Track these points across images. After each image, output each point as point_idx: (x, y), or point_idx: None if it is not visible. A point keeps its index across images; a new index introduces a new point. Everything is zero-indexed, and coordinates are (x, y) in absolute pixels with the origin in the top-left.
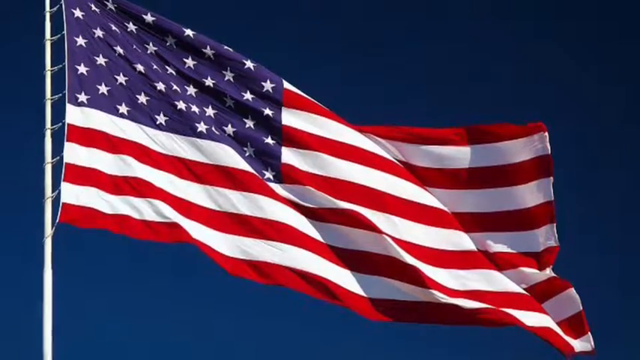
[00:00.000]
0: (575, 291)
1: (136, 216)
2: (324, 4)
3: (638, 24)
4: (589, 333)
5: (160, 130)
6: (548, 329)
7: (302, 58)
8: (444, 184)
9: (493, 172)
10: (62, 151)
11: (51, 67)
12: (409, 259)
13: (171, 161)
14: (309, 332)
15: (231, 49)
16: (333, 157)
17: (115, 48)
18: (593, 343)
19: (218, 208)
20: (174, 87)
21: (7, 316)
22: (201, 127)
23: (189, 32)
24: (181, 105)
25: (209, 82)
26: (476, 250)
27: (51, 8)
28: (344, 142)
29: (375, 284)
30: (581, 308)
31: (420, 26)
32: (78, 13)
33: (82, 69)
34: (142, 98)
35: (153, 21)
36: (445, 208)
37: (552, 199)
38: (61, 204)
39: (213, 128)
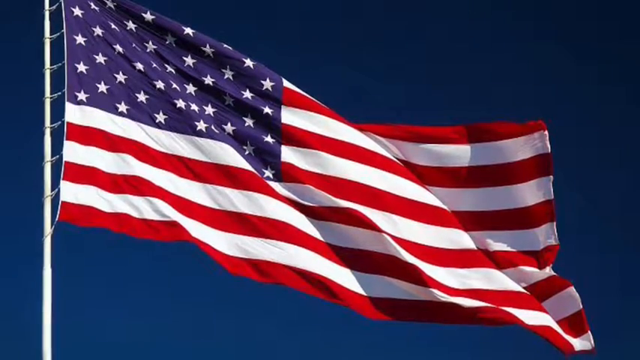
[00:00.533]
0: (575, 290)
1: (135, 214)
2: (324, 3)
3: (638, 24)
4: (589, 332)
5: (160, 128)
6: (548, 328)
7: (302, 56)
8: (443, 183)
9: (493, 170)
10: (61, 150)
11: (50, 65)
12: (409, 258)
13: (171, 160)
14: (308, 331)
15: (230, 48)
16: (333, 155)
17: (114, 46)
18: (593, 342)
19: (218, 207)
20: (174, 85)
21: (6, 315)
22: (201, 125)
23: (188, 31)
24: (181, 103)
25: (208, 80)
26: (476, 248)
27: (50, 6)
28: (344, 141)
29: (375, 283)
30: (581, 307)
31: (420, 26)
32: (77, 11)
33: (82, 67)
34: (142, 97)
35: (152, 19)
36: (445, 207)
37: (552, 197)
38: (60, 203)
39: (212, 127)
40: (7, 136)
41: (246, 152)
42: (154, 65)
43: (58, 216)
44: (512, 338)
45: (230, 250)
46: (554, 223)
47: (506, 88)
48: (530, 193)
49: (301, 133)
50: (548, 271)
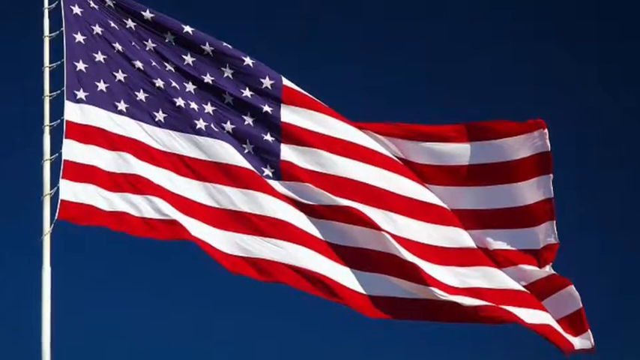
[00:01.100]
0: (574, 288)
1: (134, 213)
2: (324, 2)
3: (639, 24)
4: (589, 330)
5: (159, 127)
6: (548, 327)
7: (301, 55)
8: (443, 181)
9: (493, 169)
10: (61, 148)
11: (49, 63)
12: (408, 257)
13: (170, 158)
14: (308, 330)
15: (230, 46)
16: (333, 154)
17: (113, 45)
18: (593, 341)
19: (217, 206)
20: (173, 84)
21: (5, 314)
22: (200, 124)
23: (188, 29)
24: (180, 102)
25: (208, 78)
26: (475, 247)
27: (49, 5)
28: (343, 139)
29: (374, 282)
30: (581, 306)
31: (421, 25)
32: (77, 9)
33: (81, 66)
34: (141, 95)
35: (152, 17)
36: (445, 205)
37: (552, 196)
38: (59, 201)
39: (212, 125)
40: (6, 134)
41: (246, 151)
42: (154, 64)
43: (57, 214)
44: (512, 337)
45: (230, 249)
46: (554, 221)
47: (506, 88)
48: (530, 191)
49: (301, 132)
50: (548, 269)
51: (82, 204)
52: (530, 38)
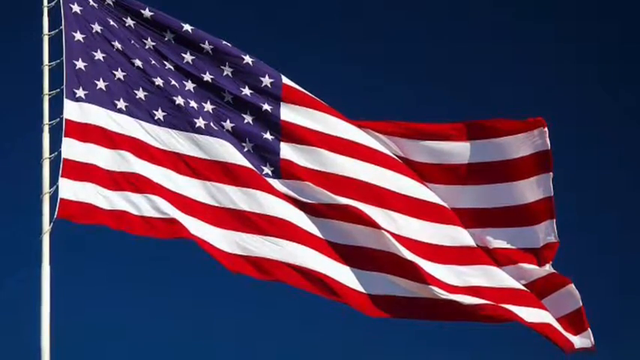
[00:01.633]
0: (574, 287)
1: (134, 212)
2: (324, 1)
3: (639, 24)
4: (589, 329)
5: (158, 125)
6: (547, 325)
7: (301, 54)
8: (443, 180)
9: (493, 167)
10: (60, 147)
11: (49, 62)
12: (408, 255)
13: (170, 157)
14: (307, 329)
15: (229, 44)
16: (332, 152)
17: (113, 43)
18: (593, 340)
19: (216, 204)
20: (173, 82)
21: (5, 313)
22: (200, 122)
23: (187, 27)
24: (180, 100)
25: (207, 77)
26: (475, 245)
27: (49, 3)
28: (343, 138)
29: (374, 280)
30: (581, 304)
31: (421, 24)
32: (76, 8)
33: (80, 64)
34: (140, 93)
35: (151, 16)
36: (444, 204)
37: (552, 194)
38: (58, 200)
39: (211, 124)
40: (5, 133)
41: (245, 149)
42: (153, 62)
43: (56, 213)
44: (511, 335)
45: (229, 248)
46: (554, 220)
47: (506, 88)
48: (530, 190)
49: (300, 130)
50: (548, 268)
51: (81, 202)
52: (530, 38)
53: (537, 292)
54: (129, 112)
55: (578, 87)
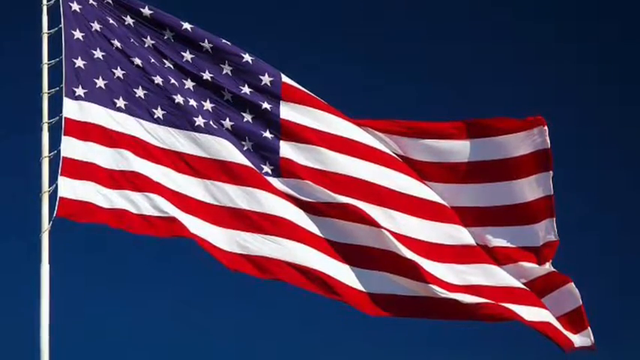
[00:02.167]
0: (574, 286)
1: (133, 210)
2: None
3: (639, 24)
4: (589, 328)
5: (158, 124)
6: (547, 324)
7: (301, 52)
8: (443, 178)
9: (492, 166)
10: (59, 145)
11: (48, 60)
12: (408, 254)
13: (169, 155)
14: (307, 328)
15: (229, 43)
16: (332, 151)
17: (112, 41)
18: (592, 338)
19: (216, 203)
20: (172, 81)
21: (4, 312)
22: (199, 120)
23: (187, 26)
24: (179, 99)
25: (207, 75)
26: (475, 244)
27: (48, 1)
28: (342, 136)
29: (374, 279)
30: (581, 303)
31: (421, 24)
32: (75, 6)
33: (80, 62)
34: (140, 92)
35: (150, 14)
36: (444, 203)
37: (552, 193)
38: (58, 198)
39: (211, 122)
40: (5, 131)
41: (245, 148)
42: (152, 60)
43: (55, 212)
44: (511, 334)
45: (229, 246)
46: (554, 218)
47: (506, 88)
48: (530, 188)
49: (300, 129)
50: (547, 267)
51: (80, 201)
52: (530, 38)
53: (537, 290)
54: (128, 110)
55: (578, 87)
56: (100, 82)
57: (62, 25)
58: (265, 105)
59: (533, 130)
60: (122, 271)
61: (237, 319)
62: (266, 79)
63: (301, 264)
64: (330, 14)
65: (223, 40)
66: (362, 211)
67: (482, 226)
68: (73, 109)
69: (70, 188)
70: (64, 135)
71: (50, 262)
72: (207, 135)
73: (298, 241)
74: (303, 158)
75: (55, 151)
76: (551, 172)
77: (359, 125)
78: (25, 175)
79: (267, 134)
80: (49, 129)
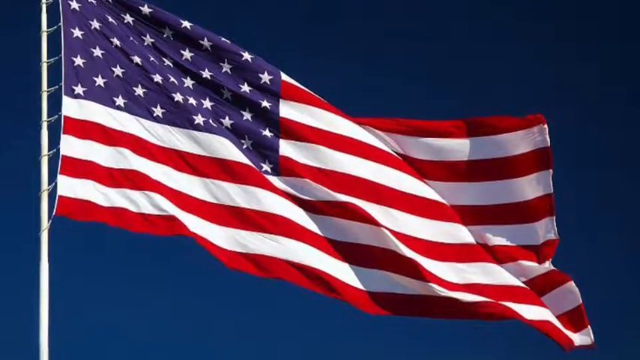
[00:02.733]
0: (574, 284)
1: (132, 209)
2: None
3: (639, 24)
4: (589, 326)
5: (157, 122)
6: (547, 323)
7: (301, 51)
8: (442, 177)
9: (492, 164)
10: (58, 144)
11: (47, 59)
12: (408, 252)
13: (169, 154)
14: (306, 326)
15: (228, 41)
16: (332, 149)
17: (111, 40)
18: (592, 337)
19: (215, 201)
20: (172, 79)
21: (3, 310)
22: (199, 119)
23: (186, 24)
24: (178, 97)
25: (206, 74)
26: (475, 243)
27: (47, 0)
28: (342, 135)
29: (373, 278)
30: (581, 302)
31: (421, 24)
32: (74, 4)
33: (79, 61)
34: (139, 90)
35: (150, 12)
36: (444, 201)
37: (552, 191)
38: (57, 197)
39: (210, 120)
40: (4, 130)
41: (244, 146)
42: (152, 59)
43: (55, 210)
44: (511, 333)
45: (228, 245)
46: (554, 217)
47: (506, 88)
48: (530, 187)
49: (299, 127)
50: (547, 265)
51: (79, 200)
52: (530, 38)
53: (537, 289)
54: (128, 109)
55: (578, 87)
56: (100, 81)
57: (61, 23)
58: (265, 103)
59: (533, 129)
60: (121, 269)
61: (238, 318)
62: (265, 78)
63: (301, 262)
64: (330, 13)
65: (223, 39)
66: (362, 210)
67: (482, 225)
68: (72, 108)
69: (70, 187)
70: (64, 133)
71: (50, 261)
72: (206, 133)
73: (298, 239)
74: (302, 157)
75: (55, 150)
76: (551, 170)
77: (359, 124)
78: (25, 173)
79: (267, 133)
80: (49, 127)
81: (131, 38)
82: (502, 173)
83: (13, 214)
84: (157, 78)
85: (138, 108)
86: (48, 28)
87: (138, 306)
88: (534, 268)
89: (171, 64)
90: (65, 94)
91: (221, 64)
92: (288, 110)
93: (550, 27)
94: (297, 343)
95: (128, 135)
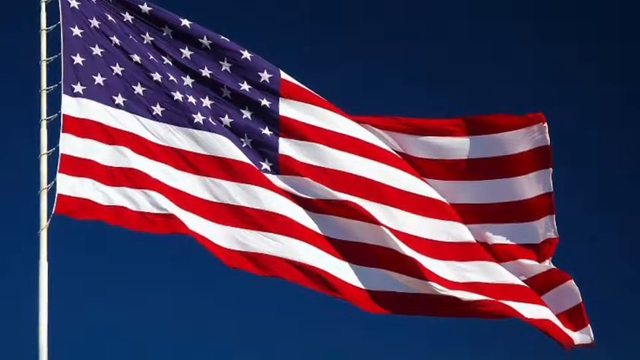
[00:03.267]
0: (574, 283)
1: (132, 207)
2: None
3: (639, 24)
4: (589, 325)
5: (157, 120)
6: (547, 321)
7: (300, 50)
8: (442, 175)
9: (492, 163)
10: (58, 143)
11: (46, 57)
12: (407, 251)
13: (168, 152)
14: (306, 325)
15: (228, 40)
16: (331, 148)
17: (111, 38)
18: (592, 336)
19: (215, 200)
20: (171, 77)
21: (2, 309)
22: (198, 117)
23: (185, 22)
24: (178, 95)
25: (206, 72)
26: (475, 241)
27: None
28: (342, 133)
29: (373, 276)
30: (581, 300)
31: (421, 24)
32: (74, 3)
33: (78, 59)
34: (138, 89)
35: (149, 11)
36: (444, 200)
37: (552, 190)
38: (56, 195)
39: (210, 119)
40: (3, 128)
41: (244, 145)
42: (151, 57)
43: (54, 209)
44: (511, 332)
45: (227, 243)
46: (554, 215)
47: (506, 88)
48: (530, 185)
49: (299, 126)
50: (547, 264)
51: (79, 198)
52: (530, 38)
53: (537, 288)
54: (127, 107)
55: (578, 87)
56: (99, 79)
57: (61, 21)
58: (264, 102)
59: (533, 127)
60: (120, 268)
61: (238, 318)
62: (265, 76)
63: (300, 261)
64: (330, 12)
65: (222, 37)
66: (361, 209)
67: (482, 224)
68: (71, 106)
69: (69, 185)
70: (63, 132)
71: (49, 260)
72: (206, 132)
73: (297, 238)
74: (302, 155)
75: (54, 148)
76: (551, 169)
77: (358, 122)
78: (24, 172)
79: (266, 131)
80: (48, 126)
81: (130, 37)
82: (502, 172)
83: (13, 212)
84: (157, 76)
85: (137, 106)
86: (47, 26)
87: (137, 305)
88: (534, 266)
89: (170, 63)
90: (64, 93)
91: (220, 62)
92: (288, 109)
93: (550, 27)
94: (297, 342)
95: (127, 133)
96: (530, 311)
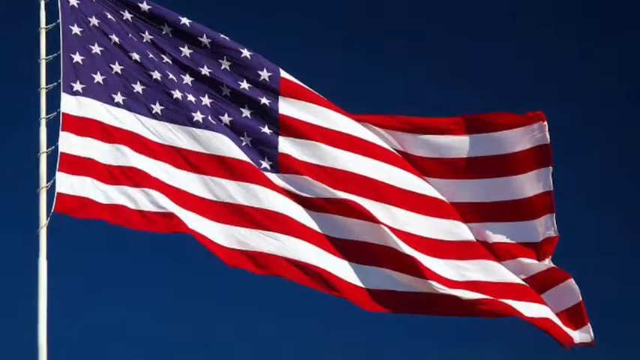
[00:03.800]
0: (574, 282)
1: (131, 206)
2: None
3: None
4: (588, 324)
5: (156, 119)
6: (547, 320)
7: (300, 49)
8: (442, 174)
9: (492, 161)
10: (57, 141)
11: (46, 55)
12: (407, 250)
13: (167, 151)
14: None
15: (227, 38)
16: (331, 146)
17: (110, 36)
18: (592, 334)
19: (214, 198)
20: (170, 76)
21: (1, 308)
22: (198, 116)
23: (185, 21)
24: (177, 94)
25: (205, 70)
26: (474, 240)
27: None
28: (342, 132)
29: (373, 275)
30: (581, 299)
31: (421, 23)
32: (73, 1)
33: (77, 58)
34: (138, 87)
35: (149, 9)
36: (443, 198)
37: (552, 189)
38: (55, 194)
39: (209, 117)
40: (2, 127)
41: (244, 143)
42: (151, 55)
43: (53, 207)
44: (511, 330)
45: (227, 242)
46: (554, 214)
47: (506, 88)
48: (530, 184)
49: (299, 124)
50: (547, 262)
51: (78, 197)
52: (530, 38)
53: (537, 286)
54: (126, 106)
55: (578, 87)
56: (98, 78)
57: (60, 20)
58: (264, 100)
59: (533, 126)
60: (120, 267)
61: (237, 316)
62: (264, 75)
63: (300, 260)
64: (330, 11)
65: (222, 35)
66: (361, 207)
67: (481, 222)
68: (70, 105)
69: (68, 184)
70: (62, 130)
71: (48, 258)
72: (205, 130)
73: (297, 237)
74: (301, 154)
75: (53, 147)
76: (550, 167)
77: (358, 121)
78: (23, 170)
79: (266, 130)
80: (47, 124)
81: (130, 35)
82: (502, 170)
83: (12, 211)
84: (156, 75)
85: (137, 105)
86: (46, 25)
87: (137, 305)
88: (534, 265)
89: (170, 61)
90: (64, 91)
91: (220, 60)
92: (288, 107)
93: (550, 27)
94: (297, 342)
95: (127, 132)
96: (530, 310)
